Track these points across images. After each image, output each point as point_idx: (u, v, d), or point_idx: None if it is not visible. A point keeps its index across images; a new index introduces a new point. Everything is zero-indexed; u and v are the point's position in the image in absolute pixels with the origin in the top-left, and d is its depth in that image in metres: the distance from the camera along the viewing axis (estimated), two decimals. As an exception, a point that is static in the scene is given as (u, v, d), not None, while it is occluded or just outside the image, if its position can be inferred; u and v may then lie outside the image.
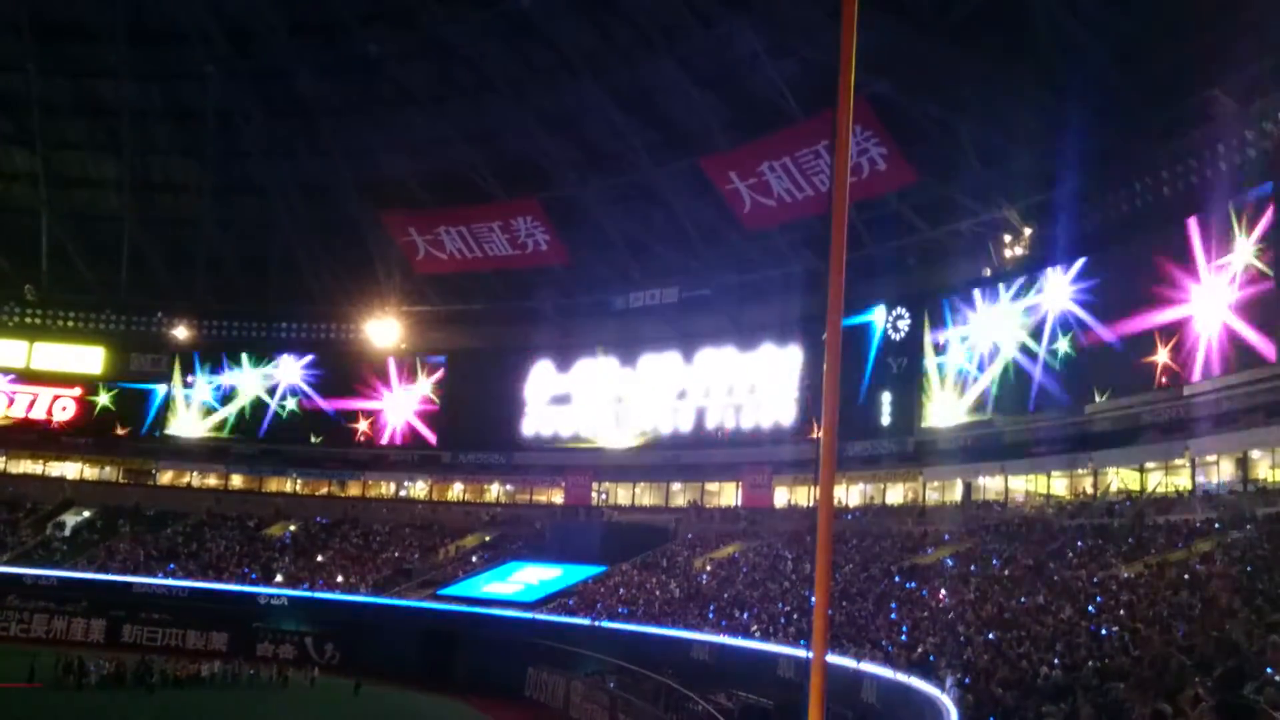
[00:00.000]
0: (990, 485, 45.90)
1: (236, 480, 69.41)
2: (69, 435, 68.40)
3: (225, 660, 46.84)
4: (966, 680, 22.18)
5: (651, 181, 54.18)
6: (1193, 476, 36.29)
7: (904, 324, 49.81)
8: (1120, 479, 39.83)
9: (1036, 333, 43.17)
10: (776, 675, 32.20)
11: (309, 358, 68.07)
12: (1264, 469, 34.07)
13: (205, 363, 68.97)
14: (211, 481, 69.62)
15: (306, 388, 67.97)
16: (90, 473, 69.74)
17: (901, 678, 25.91)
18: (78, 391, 68.75)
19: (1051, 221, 42.83)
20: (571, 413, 62.46)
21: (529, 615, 48.24)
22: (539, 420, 63.45)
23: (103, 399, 68.87)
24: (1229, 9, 32.93)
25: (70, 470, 69.31)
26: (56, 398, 68.61)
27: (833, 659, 27.20)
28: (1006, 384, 44.56)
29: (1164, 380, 37.21)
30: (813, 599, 6.43)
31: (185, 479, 70.05)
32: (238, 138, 61.41)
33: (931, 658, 26.06)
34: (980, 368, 45.87)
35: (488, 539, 60.18)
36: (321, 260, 65.70)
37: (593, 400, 61.83)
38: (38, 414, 68.68)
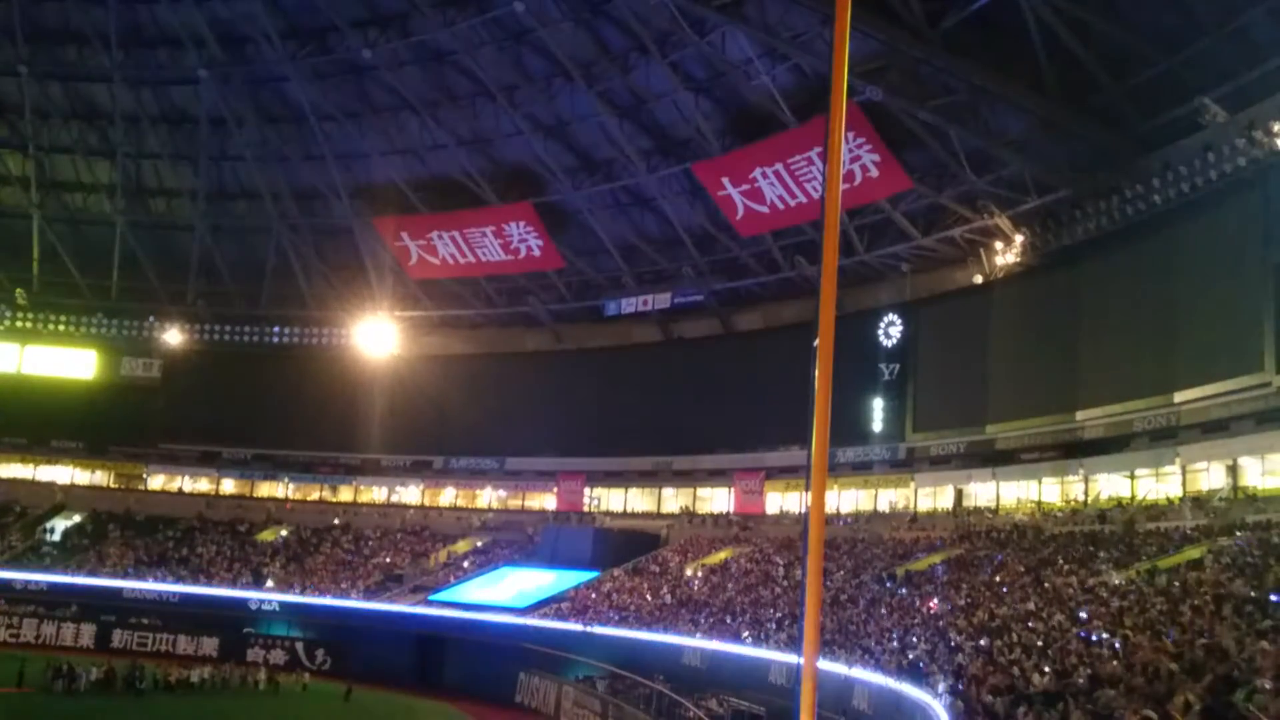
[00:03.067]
0: (981, 492, 46.00)
1: (228, 485, 69.30)
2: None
3: (216, 665, 46.71)
4: (958, 687, 22.24)
5: (644, 187, 54.25)
6: (1183, 484, 36.39)
7: (896, 330, 49.93)
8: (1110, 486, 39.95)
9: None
10: (768, 681, 32.27)
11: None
12: (1254, 476, 34.18)
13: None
14: (203, 486, 69.50)
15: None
16: (81, 477, 69.50)
17: (893, 684, 25.98)
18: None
19: (1042, 229, 42.93)
20: (564, 418, 62.33)
21: (521, 621, 48.20)
22: (531, 426, 63.35)
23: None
24: (1220, 17, 33.08)
25: (61, 474, 69.09)
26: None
27: (824, 665, 27.26)
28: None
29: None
30: (804, 605, 6.45)
31: (176, 483, 69.91)
32: (230, 142, 61.32)
33: (922, 664, 26.12)
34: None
35: (480, 544, 60.12)
36: (314, 265, 65.72)
37: (586, 406, 61.70)
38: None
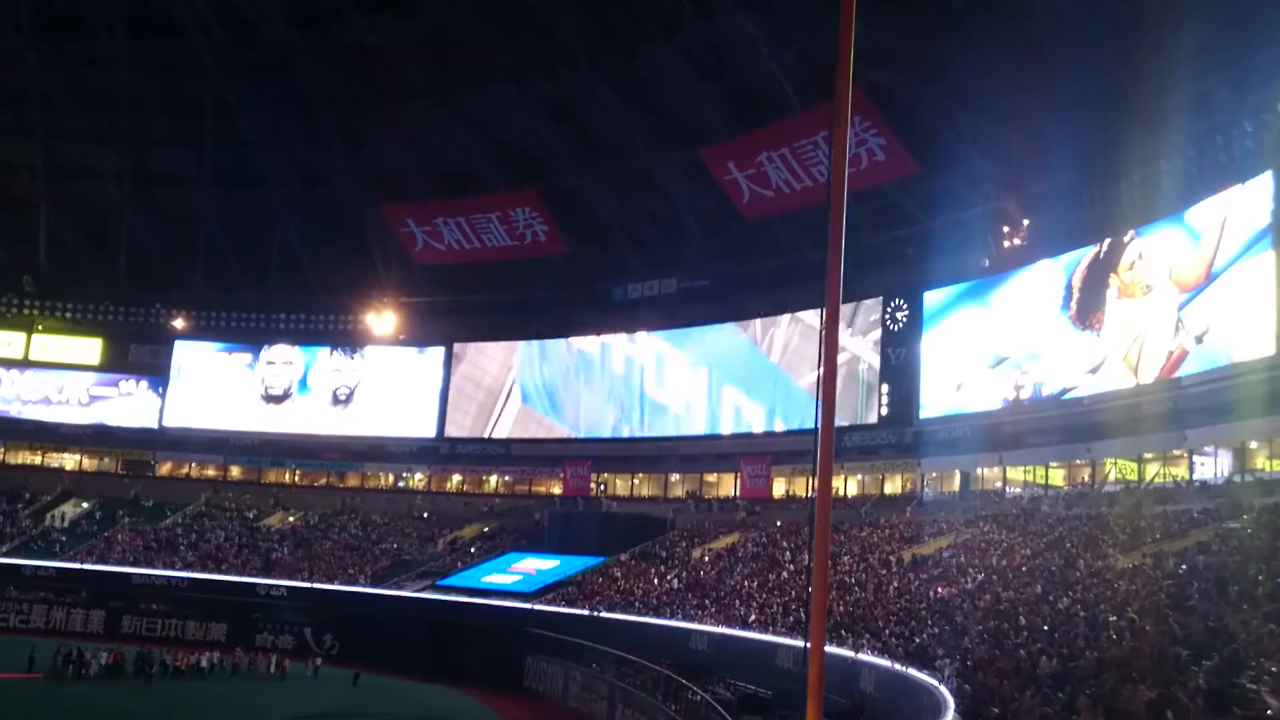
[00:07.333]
0: (988, 475, 45.96)
1: (235, 471, 69.48)
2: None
3: (225, 650, 46.91)
4: (964, 670, 22.27)
5: (650, 172, 54.12)
6: (1190, 467, 36.34)
7: (902, 315, 49.85)
8: (1118, 469, 39.89)
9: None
10: (775, 665, 32.27)
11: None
12: (1261, 459, 34.11)
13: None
14: (210, 472, 69.68)
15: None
16: (89, 464, 69.75)
17: (899, 668, 26.00)
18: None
19: (1050, 212, 42.80)
20: (569, 402, 62.39)
21: (528, 606, 48.30)
22: (538, 412, 63.41)
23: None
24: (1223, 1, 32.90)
25: (69, 461, 69.32)
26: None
27: (831, 649, 27.25)
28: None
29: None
30: (810, 589, 6.46)
31: (184, 470, 70.11)
32: (236, 129, 61.27)
33: (929, 648, 26.15)
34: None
35: (486, 530, 60.23)
36: (320, 251, 65.70)
37: (591, 390, 61.77)
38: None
